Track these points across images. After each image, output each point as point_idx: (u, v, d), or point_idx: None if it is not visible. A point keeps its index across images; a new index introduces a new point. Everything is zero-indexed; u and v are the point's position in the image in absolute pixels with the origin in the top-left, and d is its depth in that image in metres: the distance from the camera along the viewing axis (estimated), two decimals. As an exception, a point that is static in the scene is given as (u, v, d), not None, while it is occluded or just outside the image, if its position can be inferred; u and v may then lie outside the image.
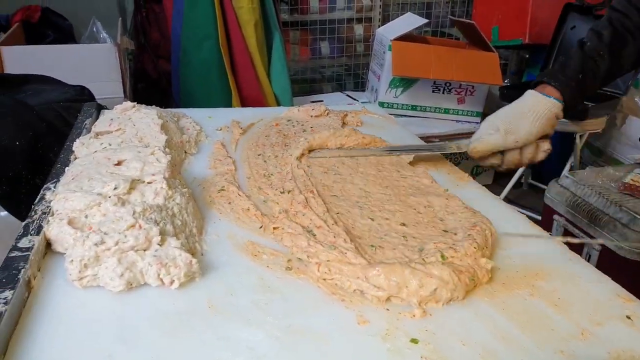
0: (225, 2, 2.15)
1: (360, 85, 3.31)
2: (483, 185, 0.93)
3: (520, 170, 2.54)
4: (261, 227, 0.74)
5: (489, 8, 2.86)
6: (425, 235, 0.71)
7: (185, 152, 0.97)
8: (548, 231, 1.23)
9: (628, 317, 0.59)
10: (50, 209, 0.69)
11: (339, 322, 0.56)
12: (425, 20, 2.58)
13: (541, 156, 0.94)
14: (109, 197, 0.68)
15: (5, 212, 1.18)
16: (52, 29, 2.15)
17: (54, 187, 0.76)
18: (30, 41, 2.06)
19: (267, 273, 0.63)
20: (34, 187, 1.18)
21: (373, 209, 0.78)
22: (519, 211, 0.84)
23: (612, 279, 0.67)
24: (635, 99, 2.14)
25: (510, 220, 0.80)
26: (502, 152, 0.94)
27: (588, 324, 0.58)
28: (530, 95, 0.93)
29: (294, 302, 0.58)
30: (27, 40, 2.06)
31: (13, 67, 1.71)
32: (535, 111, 0.91)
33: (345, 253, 0.63)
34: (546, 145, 0.94)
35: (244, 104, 2.28)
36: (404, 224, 0.74)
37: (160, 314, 0.56)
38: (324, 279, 0.62)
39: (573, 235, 1.36)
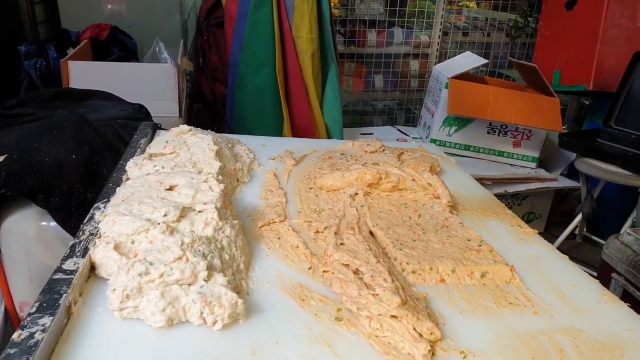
0: (284, 31, 2.17)
1: (411, 120, 3.27)
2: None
3: (575, 221, 2.41)
4: (310, 268, 0.70)
5: (552, 52, 2.78)
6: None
7: (238, 180, 0.95)
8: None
9: None
10: (98, 231, 0.68)
11: (392, 388, 0.50)
12: (485, 61, 2.53)
13: None
14: (158, 223, 0.65)
15: (55, 223, 1.19)
16: (118, 47, 2.22)
17: (104, 207, 0.75)
18: (97, 57, 2.13)
19: (316, 322, 0.59)
20: (85, 201, 1.19)
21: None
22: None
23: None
24: None
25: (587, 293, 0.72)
26: None
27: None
28: None
29: (344, 359, 0.53)
30: (94, 56, 2.13)
31: (78, 80, 1.77)
32: None
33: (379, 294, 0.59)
34: None
35: (295, 132, 2.28)
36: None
37: (200, 357, 0.52)
38: (376, 336, 0.56)
39: (633, 297, 1.24)
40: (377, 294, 0.60)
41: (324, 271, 0.68)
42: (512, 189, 2.37)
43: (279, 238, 0.77)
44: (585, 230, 2.65)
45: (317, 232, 0.80)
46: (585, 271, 0.77)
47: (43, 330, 0.49)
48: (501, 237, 0.85)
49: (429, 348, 0.54)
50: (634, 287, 1.22)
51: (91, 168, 1.19)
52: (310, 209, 0.88)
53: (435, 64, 2.93)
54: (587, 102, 2.92)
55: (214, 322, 0.56)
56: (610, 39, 2.48)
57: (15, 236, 1.21)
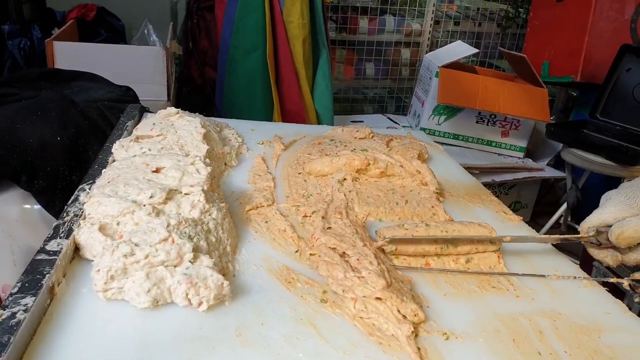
0: (276, 15, 2.15)
1: (402, 109, 3.27)
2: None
3: (560, 210, 2.45)
4: (297, 251, 0.70)
5: (541, 43, 2.79)
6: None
7: (225, 164, 0.95)
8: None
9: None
10: (82, 212, 0.67)
11: (376, 369, 0.51)
12: (475, 50, 2.52)
13: None
14: (144, 205, 0.65)
15: (39, 206, 1.18)
16: (106, 28, 2.19)
17: (89, 189, 0.74)
18: (83, 39, 2.10)
19: (301, 304, 0.59)
20: (70, 184, 1.18)
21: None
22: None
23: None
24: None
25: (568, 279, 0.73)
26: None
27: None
28: None
29: (328, 340, 0.53)
30: (80, 37, 2.10)
31: (64, 62, 1.74)
32: None
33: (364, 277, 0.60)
34: None
35: (285, 117, 2.27)
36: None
37: (185, 337, 0.52)
38: (361, 317, 0.57)
39: (614, 286, 1.28)
40: (362, 277, 0.60)
41: (310, 254, 0.69)
42: (499, 178, 2.39)
43: (266, 222, 0.77)
44: (570, 219, 2.69)
45: (305, 216, 0.80)
46: (569, 259, 0.79)
47: (25, 310, 0.49)
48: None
49: (413, 329, 0.55)
50: (614, 274, 1.24)
51: (77, 150, 1.17)
52: (299, 193, 0.88)
53: (427, 53, 2.92)
54: (574, 94, 2.94)
55: (200, 304, 0.56)
56: (598, 32, 2.49)
57: (-2, 218, 1.20)
